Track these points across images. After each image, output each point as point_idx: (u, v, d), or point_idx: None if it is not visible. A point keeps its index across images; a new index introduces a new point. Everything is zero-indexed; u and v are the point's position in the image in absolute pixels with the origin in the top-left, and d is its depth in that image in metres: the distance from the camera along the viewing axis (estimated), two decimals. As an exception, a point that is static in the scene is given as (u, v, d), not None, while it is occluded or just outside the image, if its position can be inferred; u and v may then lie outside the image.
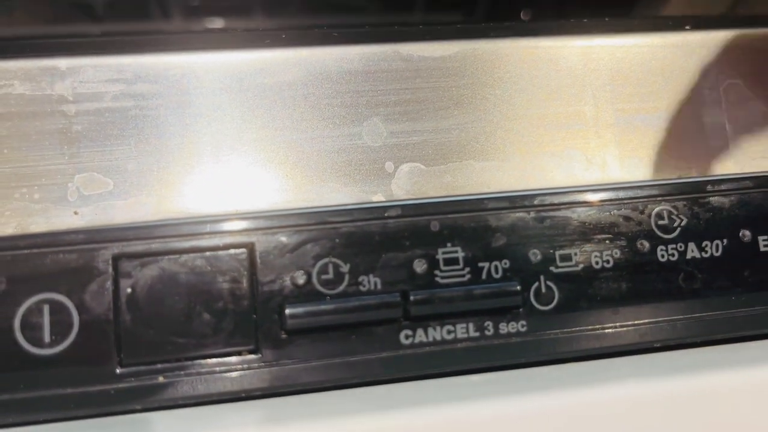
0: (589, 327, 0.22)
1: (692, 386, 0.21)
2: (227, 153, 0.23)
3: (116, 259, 0.20)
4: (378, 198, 0.24)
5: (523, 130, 0.25)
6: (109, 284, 0.20)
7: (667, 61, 0.27)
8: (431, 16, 0.61)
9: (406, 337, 0.21)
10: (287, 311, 0.20)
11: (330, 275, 0.21)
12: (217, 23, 0.59)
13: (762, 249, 0.23)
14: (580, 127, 0.25)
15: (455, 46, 0.25)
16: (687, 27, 0.28)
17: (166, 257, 0.21)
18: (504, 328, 0.22)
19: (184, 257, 0.21)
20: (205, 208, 0.23)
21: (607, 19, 0.28)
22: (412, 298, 0.21)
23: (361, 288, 0.21)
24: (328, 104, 0.24)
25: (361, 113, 0.24)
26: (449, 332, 0.21)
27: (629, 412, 0.21)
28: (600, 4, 0.55)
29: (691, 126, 0.26)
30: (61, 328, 0.20)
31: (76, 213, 0.22)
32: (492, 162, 0.25)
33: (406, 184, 0.24)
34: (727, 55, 0.27)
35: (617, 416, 0.21)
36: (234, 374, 0.20)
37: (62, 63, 0.23)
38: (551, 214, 0.23)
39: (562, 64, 0.26)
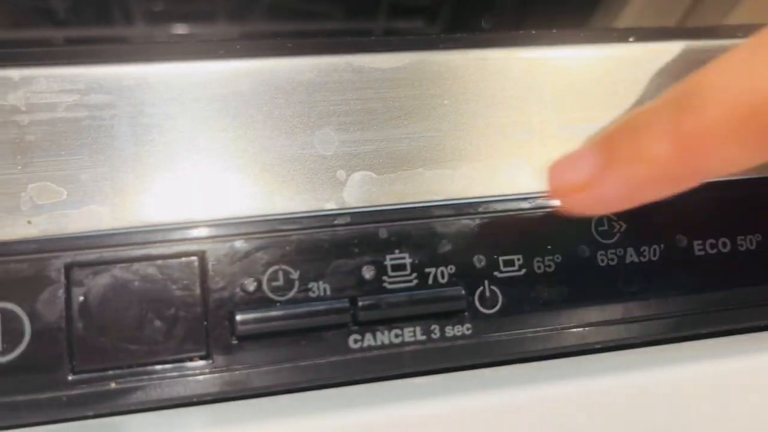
0: (532, 329, 0.23)
1: (632, 384, 0.22)
2: (180, 162, 0.24)
3: (68, 267, 0.21)
4: (330, 206, 0.24)
5: (470, 139, 0.26)
6: (61, 293, 0.20)
7: (611, 71, 0.28)
8: (393, 24, 0.62)
9: (355, 341, 0.22)
10: (238, 317, 0.21)
11: (280, 282, 0.22)
12: (181, 29, 0.59)
13: (696, 253, 0.24)
14: (526, 136, 0.26)
15: (405, 57, 0.26)
16: (631, 39, 0.29)
17: (118, 266, 0.21)
18: (450, 331, 0.22)
19: (136, 265, 0.21)
20: (158, 216, 0.23)
21: (554, 30, 0.29)
22: (360, 303, 0.22)
23: (311, 294, 0.22)
24: (280, 114, 0.25)
25: (314, 123, 0.25)
26: (397, 336, 0.22)
27: (570, 411, 0.22)
28: (557, 14, 0.56)
29: (633, 135, 0.27)
30: (12, 336, 0.20)
31: (29, 222, 0.22)
32: (441, 170, 0.26)
33: (357, 192, 0.25)
34: (670, 66, 0.28)
35: (557, 415, 0.21)
36: (185, 380, 0.21)
37: (15, 74, 0.23)
38: (495, 221, 0.23)
39: (509, 75, 0.27)
